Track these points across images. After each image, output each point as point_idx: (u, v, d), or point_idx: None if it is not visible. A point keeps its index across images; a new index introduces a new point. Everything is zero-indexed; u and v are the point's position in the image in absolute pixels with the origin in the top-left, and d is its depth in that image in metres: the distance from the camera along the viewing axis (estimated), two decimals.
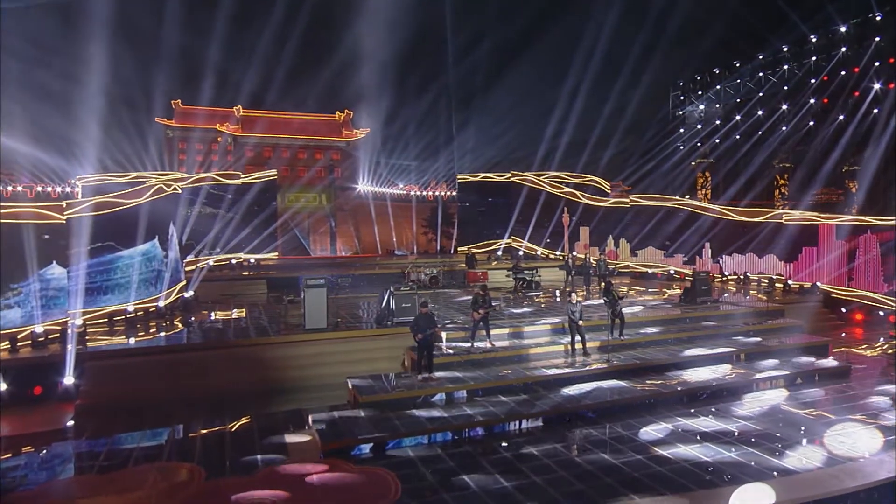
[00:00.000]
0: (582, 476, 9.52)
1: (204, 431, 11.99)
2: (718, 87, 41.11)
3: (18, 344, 14.92)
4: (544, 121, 42.53)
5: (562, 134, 41.58)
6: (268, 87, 43.15)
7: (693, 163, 42.90)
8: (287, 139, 46.35)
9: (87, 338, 15.67)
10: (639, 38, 39.58)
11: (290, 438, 11.40)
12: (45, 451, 11.29)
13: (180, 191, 25.34)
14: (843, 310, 22.91)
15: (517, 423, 11.81)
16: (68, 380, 13.84)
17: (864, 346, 19.05)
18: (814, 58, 34.88)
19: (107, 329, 17.42)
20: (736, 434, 11.27)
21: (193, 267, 26.57)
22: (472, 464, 10.14)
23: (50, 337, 15.52)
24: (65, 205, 17.27)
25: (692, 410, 12.59)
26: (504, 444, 11.04)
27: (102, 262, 18.10)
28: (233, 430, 12.09)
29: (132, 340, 16.27)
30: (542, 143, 42.33)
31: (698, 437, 11.11)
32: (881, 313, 22.12)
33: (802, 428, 11.63)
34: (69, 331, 15.11)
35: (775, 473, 9.57)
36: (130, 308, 18.57)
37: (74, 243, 16.95)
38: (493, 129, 48.29)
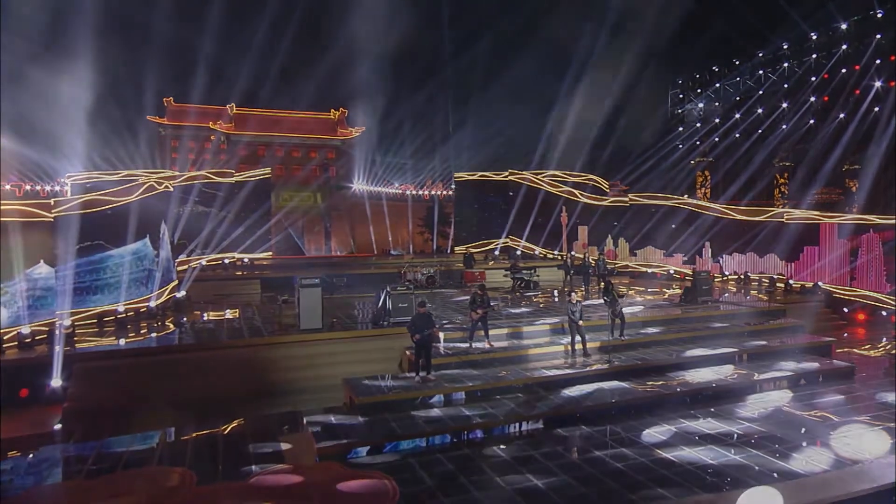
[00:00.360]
0: (584, 479, 9.30)
1: (196, 435, 11.70)
2: (718, 85, 40.88)
3: (4, 345, 14.58)
4: (543, 119, 42.44)
5: (560, 132, 41.45)
6: (262, 85, 42.95)
7: (692, 161, 42.68)
8: (281, 137, 46.09)
9: (75, 339, 15.37)
10: (638, 35, 39.45)
11: (285, 441, 11.16)
12: (31, 456, 11.00)
13: (172, 189, 25.00)
14: (846, 310, 22.75)
15: (517, 424, 11.57)
16: (56, 382, 13.52)
17: (866, 347, 18.88)
18: (814, 55, 34.65)
19: (96, 330, 17.12)
20: (739, 436, 11.05)
21: (186, 266, 26.26)
22: (471, 467, 9.90)
23: (37, 338, 15.20)
24: (53, 203, 16.95)
25: (694, 412, 12.35)
26: (504, 446, 10.80)
27: (91, 262, 17.76)
28: (225, 433, 11.82)
29: (122, 341, 15.98)
30: (541, 142, 42.20)
31: (701, 439, 10.89)
32: (884, 313, 21.97)
33: (806, 430, 11.40)
34: (57, 332, 14.76)
35: (776, 475, 9.34)
36: (121, 308, 18.26)
37: (62, 242, 16.62)
38: (490, 126, 48.08)
